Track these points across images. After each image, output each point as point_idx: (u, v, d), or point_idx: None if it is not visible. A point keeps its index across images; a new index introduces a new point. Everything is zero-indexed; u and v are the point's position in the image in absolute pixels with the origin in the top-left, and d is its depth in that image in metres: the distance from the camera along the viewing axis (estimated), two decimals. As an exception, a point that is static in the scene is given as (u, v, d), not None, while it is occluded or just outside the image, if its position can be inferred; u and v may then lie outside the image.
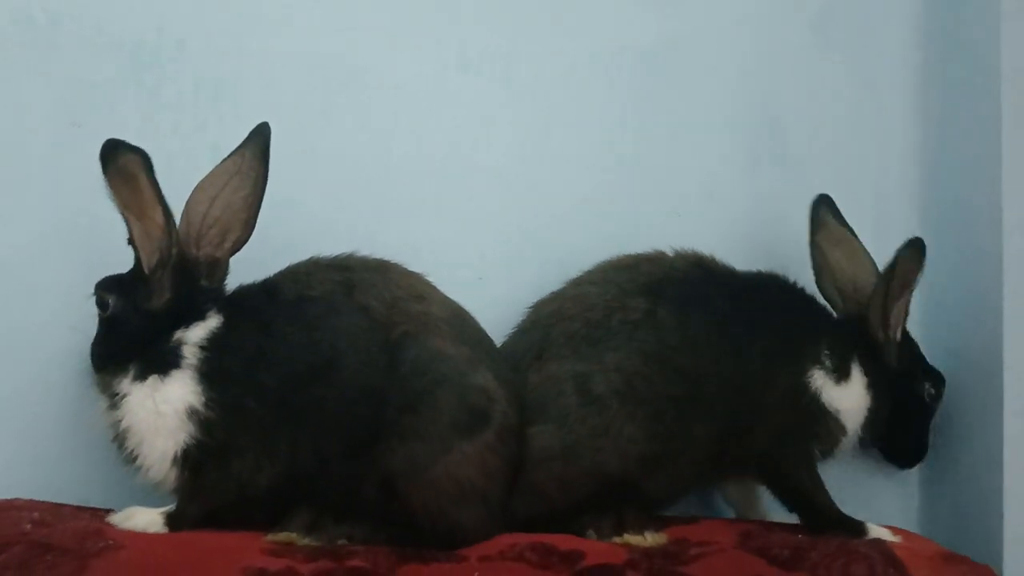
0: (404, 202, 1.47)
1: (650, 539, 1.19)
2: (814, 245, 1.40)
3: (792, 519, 1.32)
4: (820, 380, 1.30)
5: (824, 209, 1.41)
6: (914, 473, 1.51)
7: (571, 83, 1.51)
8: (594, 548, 1.16)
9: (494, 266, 1.48)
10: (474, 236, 1.48)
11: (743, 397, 1.27)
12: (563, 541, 1.17)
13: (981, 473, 1.38)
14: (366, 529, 1.17)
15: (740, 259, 1.44)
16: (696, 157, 1.53)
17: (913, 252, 1.33)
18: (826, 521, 1.26)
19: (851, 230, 1.41)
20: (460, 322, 1.25)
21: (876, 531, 1.25)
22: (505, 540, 1.17)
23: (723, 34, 1.54)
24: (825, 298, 1.40)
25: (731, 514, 1.44)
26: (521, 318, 1.36)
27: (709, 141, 1.53)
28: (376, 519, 1.17)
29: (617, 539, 1.20)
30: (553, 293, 1.36)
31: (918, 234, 1.49)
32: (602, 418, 1.23)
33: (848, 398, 1.32)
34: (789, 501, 1.31)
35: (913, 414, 1.38)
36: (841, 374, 1.32)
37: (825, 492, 1.29)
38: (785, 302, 1.36)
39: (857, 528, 1.25)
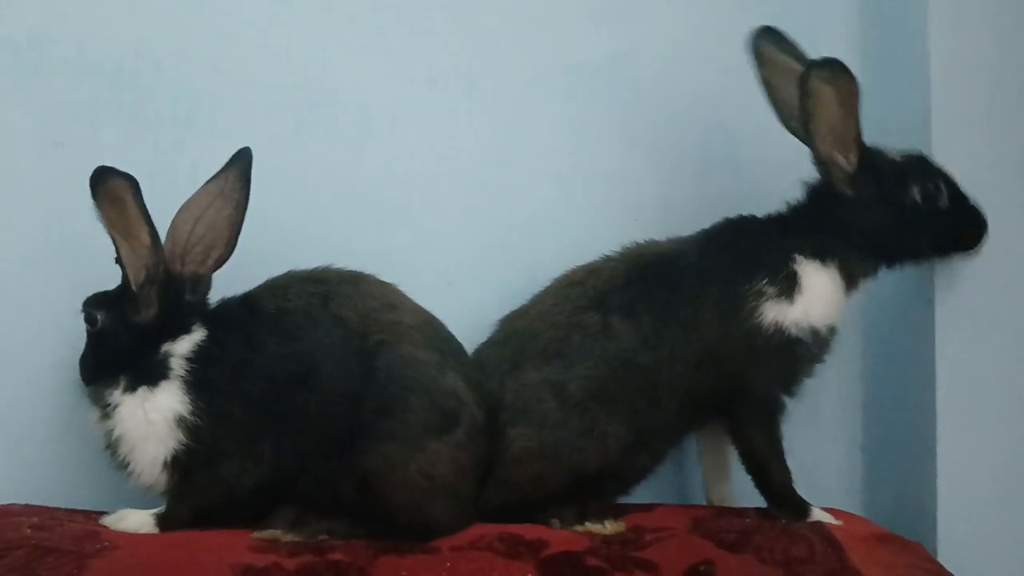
0: (375, 213, 1.53)
1: (610, 527, 1.27)
2: (764, 84, 1.36)
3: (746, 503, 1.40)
4: (773, 310, 1.31)
5: (763, 42, 1.36)
6: (857, 456, 1.59)
7: (531, 97, 1.57)
8: (557, 537, 1.23)
9: (462, 272, 1.53)
10: (442, 244, 1.54)
11: (706, 364, 1.32)
12: (529, 531, 1.24)
13: (918, 457, 1.45)
14: (346, 525, 1.23)
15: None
16: (652, 164, 1.59)
17: (823, 69, 1.25)
18: (774, 493, 1.32)
19: (799, 56, 1.34)
20: (430, 329, 1.31)
21: (818, 515, 1.32)
22: (475, 531, 1.24)
23: (673, 47, 1.60)
24: (796, 137, 1.36)
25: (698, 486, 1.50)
26: (492, 330, 1.42)
27: (664, 148, 1.59)
28: (355, 515, 1.23)
29: (579, 527, 1.27)
30: (521, 309, 1.41)
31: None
32: (584, 420, 1.30)
33: (814, 301, 1.31)
34: (746, 463, 1.36)
35: (921, 222, 1.32)
36: (788, 287, 1.31)
37: (781, 463, 1.33)
38: (720, 254, 1.35)
39: (802, 508, 1.32)
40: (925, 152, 1.41)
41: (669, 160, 1.60)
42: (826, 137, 1.31)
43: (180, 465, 1.24)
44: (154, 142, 1.49)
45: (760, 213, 1.57)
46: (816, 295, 1.33)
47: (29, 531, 1.17)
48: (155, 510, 1.26)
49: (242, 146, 1.31)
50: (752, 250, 1.35)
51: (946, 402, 1.41)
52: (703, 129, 1.61)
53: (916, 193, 1.33)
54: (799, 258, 1.33)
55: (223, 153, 1.32)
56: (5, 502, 1.33)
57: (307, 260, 1.35)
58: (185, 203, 1.28)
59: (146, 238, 1.24)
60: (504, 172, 1.57)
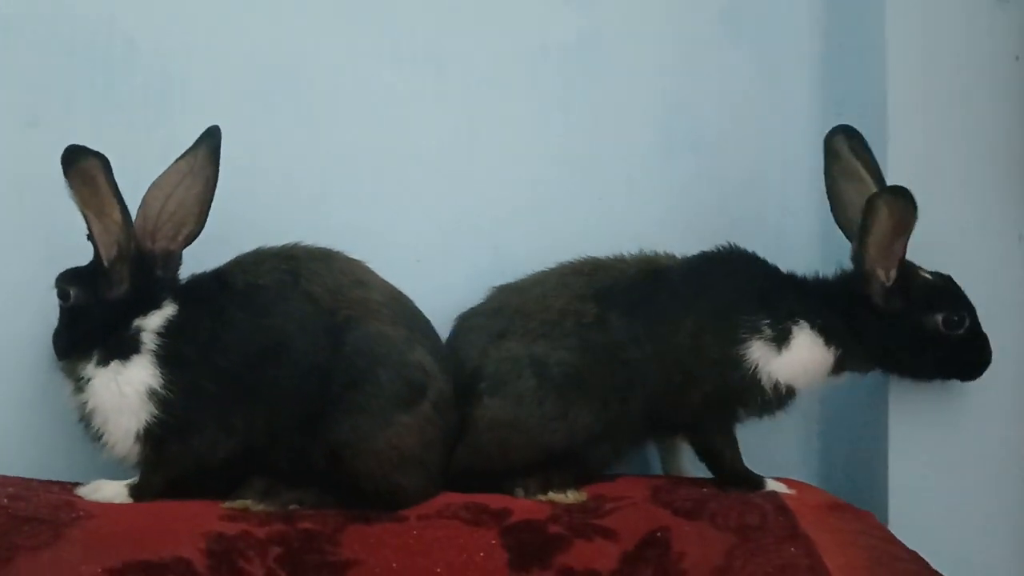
0: (344, 191, 1.55)
1: (572, 496, 1.31)
2: (829, 176, 1.42)
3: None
4: (759, 351, 1.36)
5: (840, 140, 1.41)
6: (813, 429, 1.63)
7: (498, 78, 1.59)
8: (521, 506, 1.27)
9: (430, 249, 1.56)
10: (411, 222, 1.56)
11: (674, 371, 1.37)
12: (494, 500, 1.28)
13: (870, 430, 1.51)
14: (315, 494, 1.26)
15: (657, 237, 1.57)
16: (617, 145, 1.62)
17: (894, 198, 1.32)
18: (729, 475, 1.38)
19: (867, 163, 1.40)
20: (398, 305, 1.34)
21: (773, 485, 1.37)
22: (442, 500, 1.28)
23: (639, 30, 1.62)
24: (843, 232, 1.42)
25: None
26: (485, 297, 1.45)
27: (628, 130, 1.62)
28: (324, 485, 1.26)
29: (542, 497, 1.31)
30: (517, 285, 1.45)
31: (819, 209, 1.61)
32: (558, 404, 1.34)
33: (793, 363, 1.36)
34: (700, 454, 1.42)
35: (934, 346, 1.38)
36: (781, 340, 1.36)
37: (734, 450, 1.40)
38: (726, 278, 1.40)
39: (756, 482, 1.37)
40: (881, 130, 1.47)
41: (634, 141, 1.63)
42: (874, 251, 1.36)
43: (153, 437, 1.26)
44: (127, 120, 1.50)
45: (722, 192, 1.63)
46: (801, 359, 1.38)
47: (6, 500, 1.19)
48: (128, 481, 1.29)
49: (212, 124, 1.33)
50: (764, 291, 1.40)
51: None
52: (667, 110, 1.64)
53: (939, 320, 1.38)
54: (804, 324, 1.38)
55: (195, 131, 1.34)
56: (-20, 474, 1.34)
57: (276, 238, 1.38)
58: (155, 181, 1.30)
59: (117, 215, 1.27)
60: (471, 152, 1.59)
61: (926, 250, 1.44)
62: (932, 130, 1.50)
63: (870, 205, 1.34)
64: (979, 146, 1.51)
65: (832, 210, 1.44)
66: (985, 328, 1.42)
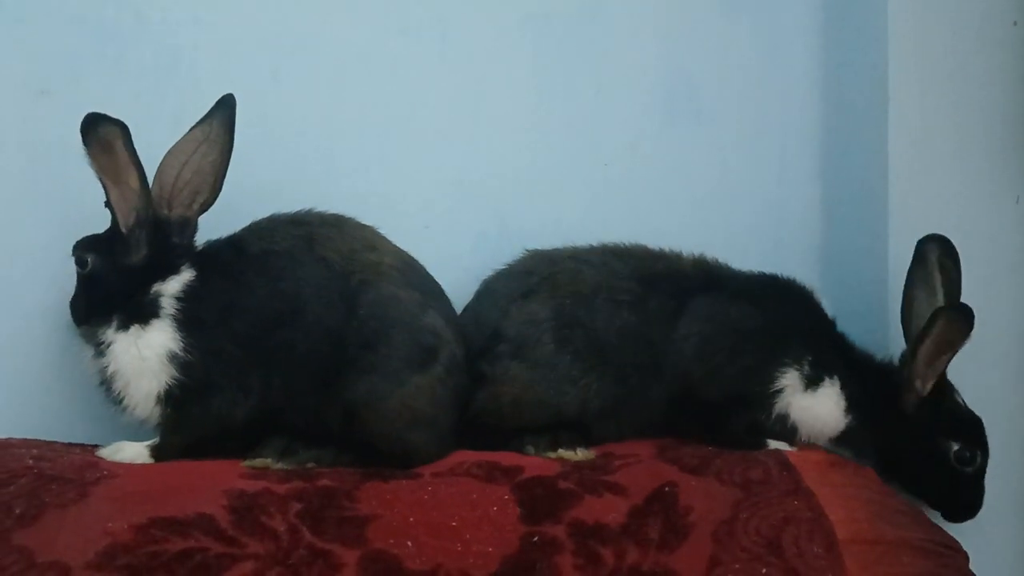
0: (352, 159, 1.57)
1: (580, 454, 1.34)
2: (908, 279, 1.43)
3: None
4: (792, 379, 1.39)
5: (931, 248, 1.42)
6: None
7: (502, 47, 1.61)
8: (532, 463, 1.30)
9: (437, 216, 1.59)
10: (418, 189, 1.58)
11: (706, 363, 1.39)
12: (505, 458, 1.31)
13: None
14: (332, 453, 1.29)
15: (659, 205, 1.60)
16: (619, 114, 1.64)
17: (955, 316, 1.35)
18: (730, 440, 1.39)
19: (948, 279, 1.41)
20: (410, 269, 1.37)
21: (775, 444, 1.40)
22: (455, 458, 1.31)
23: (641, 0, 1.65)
24: (904, 334, 1.44)
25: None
26: (517, 259, 1.48)
27: (631, 99, 1.64)
28: (340, 444, 1.29)
29: (552, 454, 1.34)
30: (553, 255, 1.46)
31: (818, 178, 1.65)
32: (574, 369, 1.37)
33: (811, 406, 1.39)
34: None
35: (937, 469, 1.39)
36: (812, 383, 1.39)
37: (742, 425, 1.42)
38: (788, 303, 1.43)
39: (757, 443, 1.40)
40: (882, 95, 1.50)
41: (636, 109, 1.65)
42: (922, 361, 1.39)
43: (173, 399, 1.29)
44: (136, 91, 1.51)
45: (723, 160, 1.65)
46: (819, 407, 1.40)
47: (31, 461, 1.22)
48: (149, 442, 1.31)
49: (222, 94, 1.34)
50: (814, 334, 1.43)
51: (895, 336, 1.48)
52: (669, 79, 1.66)
53: (954, 449, 1.39)
54: (836, 381, 1.41)
55: (204, 101, 1.35)
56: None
57: (288, 204, 1.40)
58: (171, 148, 1.32)
59: (135, 182, 1.29)
60: (477, 121, 1.61)
61: (926, 213, 1.48)
62: (931, 95, 1.53)
63: (934, 317, 1.36)
64: (977, 110, 1.53)
65: (901, 311, 1.44)
66: (983, 291, 1.45)
